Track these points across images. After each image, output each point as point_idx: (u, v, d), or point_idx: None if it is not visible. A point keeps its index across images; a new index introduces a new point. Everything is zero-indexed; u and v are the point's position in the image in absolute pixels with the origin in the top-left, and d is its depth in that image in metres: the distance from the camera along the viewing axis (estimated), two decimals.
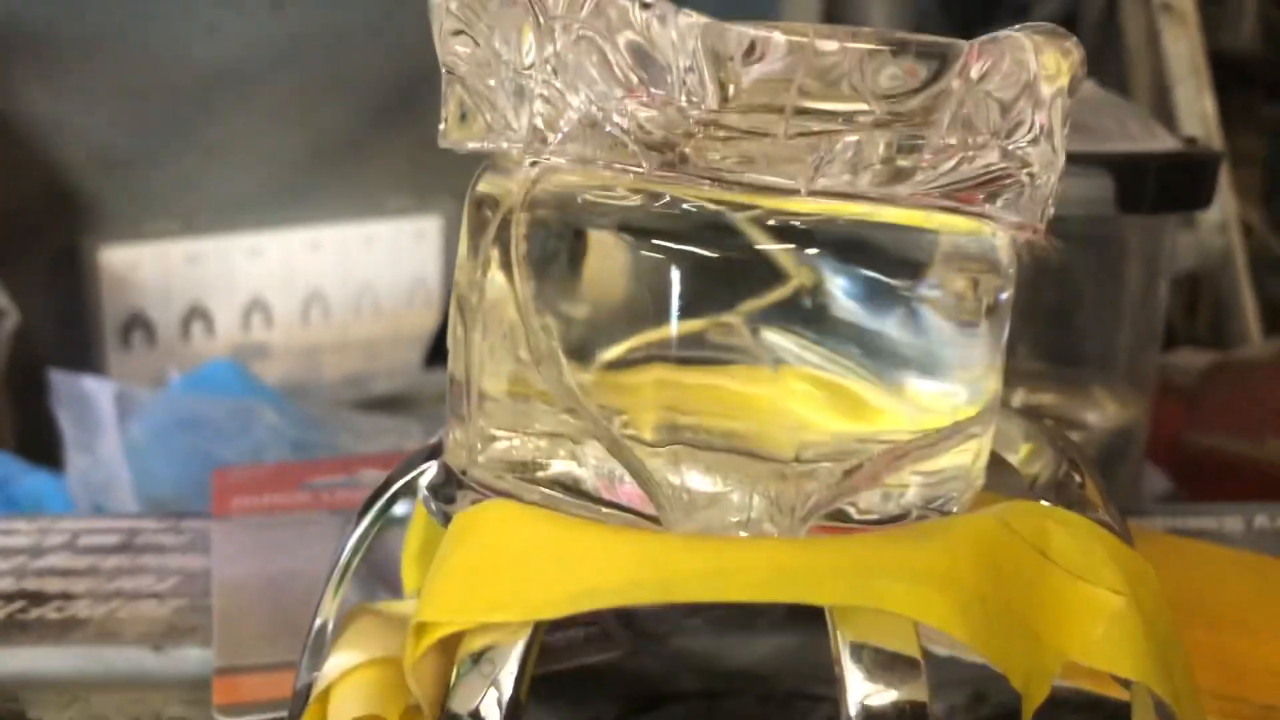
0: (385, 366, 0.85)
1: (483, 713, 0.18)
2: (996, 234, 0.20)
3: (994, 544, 0.18)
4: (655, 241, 0.19)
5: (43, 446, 0.61)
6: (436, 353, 0.66)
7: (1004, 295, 0.20)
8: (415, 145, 0.87)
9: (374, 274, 0.86)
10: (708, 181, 0.18)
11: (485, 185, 0.20)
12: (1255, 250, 1.05)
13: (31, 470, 0.55)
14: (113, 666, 0.29)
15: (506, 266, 0.20)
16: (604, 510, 0.19)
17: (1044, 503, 0.20)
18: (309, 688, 0.21)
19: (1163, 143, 0.38)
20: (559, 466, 0.20)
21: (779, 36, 0.16)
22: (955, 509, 0.21)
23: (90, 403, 0.54)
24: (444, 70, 0.20)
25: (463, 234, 0.21)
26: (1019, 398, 0.43)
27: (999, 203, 0.19)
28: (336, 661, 0.20)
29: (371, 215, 0.85)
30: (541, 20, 0.18)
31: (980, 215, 0.19)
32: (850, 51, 0.17)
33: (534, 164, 0.19)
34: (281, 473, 0.38)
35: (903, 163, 0.19)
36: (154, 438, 0.53)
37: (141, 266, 0.76)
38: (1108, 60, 0.98)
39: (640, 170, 0.18)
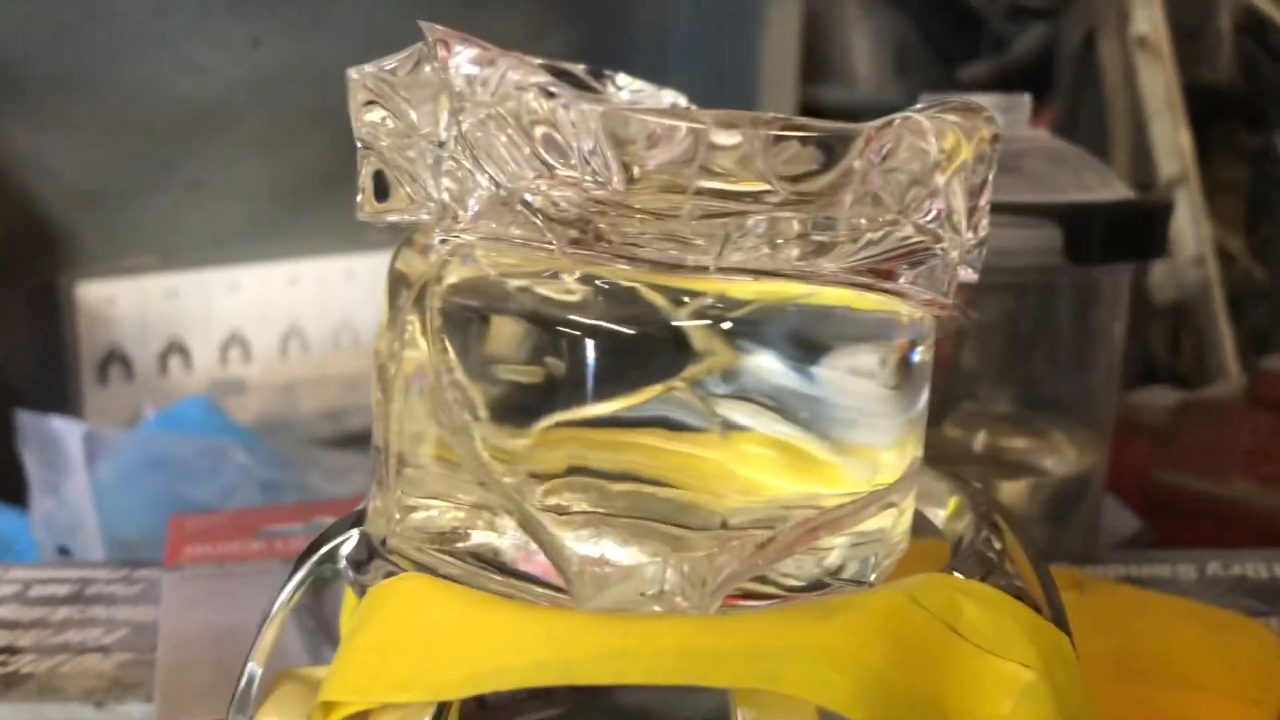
0: (363, 401, 0.85)
1: None
2: (911, 314, 0.20)
3: (901, 620, 0.18)
4: (572, 317, 0.19)
5: (14, 485, 0.61)
6: None
7: (916, 360, 0.20)
8: None
9: (353, 308, 0.86)
10: (621, 260, 0.18)
11: (401, 264, 0.20)
12: (1238, 279, 1.05)
13: None
14: None
15: (425, 332, 0.20)
16: (518, 584, 0.19)
17: (957, 574, 0.20)
18: None
19: (1115, 192, 0.38)
20: (478, 538, 0.20)
21: (679, 125, 0.17)
22: (875, 575, 0.21)
23: (58, 443, 0.54)
24: (359, 144, 0.21)
25: (383, 306, 0.21)
26: (980, 441, 0.43)
27: (915, 276, 0.20)
28: None
29: (351, 248, 0.85)
30: (450, 100, 0.18)
31: (896, 293, 0.20)
32: (753, 136, 0.17)
33: (443, 241, 0.19)
34: (238, 520, 0.38)
35: (820, 238, 0.19)
36: (122, 478, 0.53)
37: (119, 302, 0.76)
38: (1086, 94, 0.99)
39: (551, 248, 0.18)
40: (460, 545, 0.20)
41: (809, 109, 1.16)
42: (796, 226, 0.18)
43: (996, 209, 0.26)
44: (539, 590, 0.19)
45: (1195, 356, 0.91)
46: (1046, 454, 0.42)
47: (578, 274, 0.19)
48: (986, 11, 1.07)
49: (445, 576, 0.19)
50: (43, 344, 0.75)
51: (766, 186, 0.18)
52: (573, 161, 0.17)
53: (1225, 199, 1.09)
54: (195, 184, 0.78)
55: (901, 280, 0.20)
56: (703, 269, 0.18)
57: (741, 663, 0.16)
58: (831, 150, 0.18)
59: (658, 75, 0.91)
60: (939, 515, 0.24)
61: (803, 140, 0.17)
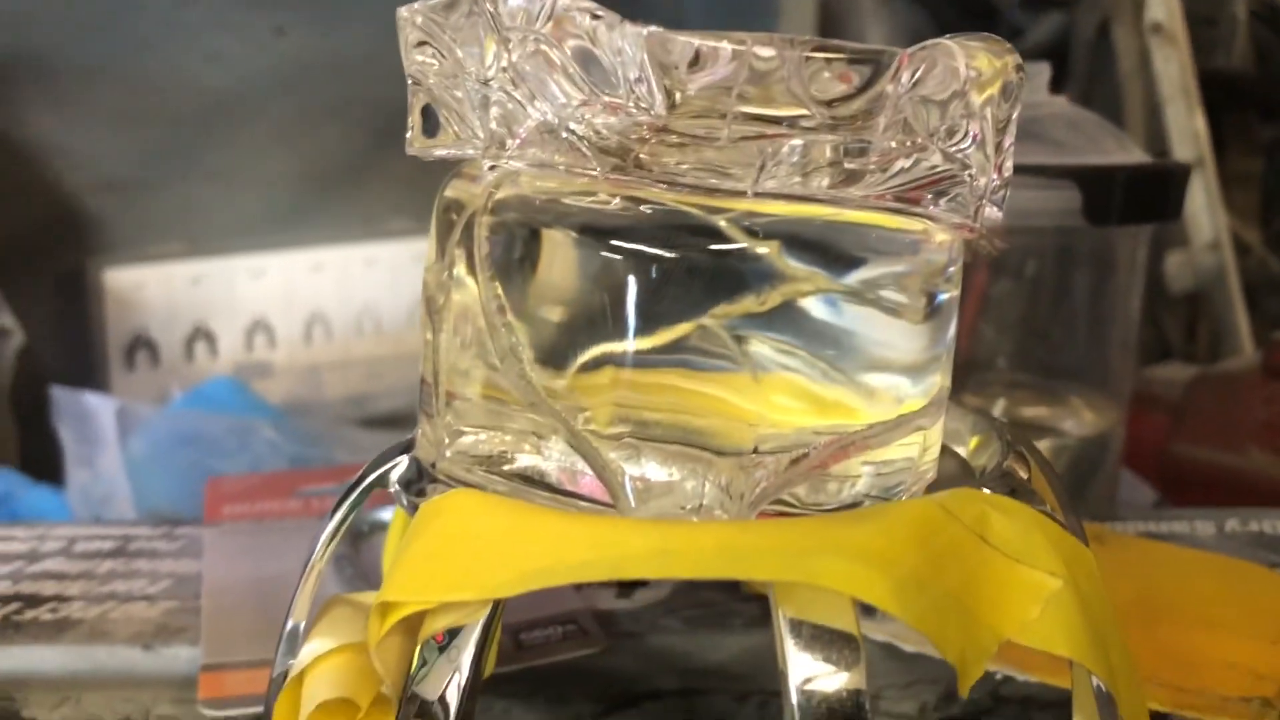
0: (386, 386, 0.86)
1: (446, 696, 0.19)
2: (939, 236, 0.21)
3: (933, 527, 0.18)
4: (614, 242, 0.20)
5: (46, 464, 0.62)
6: None
7: (944, 295, 0.21)
8: (415, 167, 0.88)
9: (375, 294, 0.87)
10: (660, 184, 0.19)
11: (451, 190, 0.21)
12: (1253, 270, 1.05)
13: (34, 486, 0.56)
14: (104, 665, 0.30)
15: (472, 269, 0.21)
16: (565, 500, 0.20)
17: (985, 490, 0.21)
18: (284, 675, 0.22)
19: (1133, 156, 0.39)
20: (524, 460, 0.21)
21: (724, 45, 0.17)
22: (903, 499, 0.21)
23: (92, 418, 0.55)
24: (410, 80, 0.21)
25: (431, 237, 0.22)
26: (999, 408, 0.44)
27: (943, 203, 0.20)
28: (310, 648, 0.21)
29: (373, 236, 0.86)
30: (499, 32, 0.19)
31: (925, 216, 0.20)
32: (788, 57, 0.18)
33: (493, 168, 0.20)
34: (274, 481, 0.39)
35: (850, 165, 0.20)
36: (154, 453, 0.54)
37: (146, 288, 0.78)
38: (1101, 80, 0.99)
39: (594, 174, 0.19)
40: (507, 467, 0.21)
41: None
42: (829, 153, 0.19)
43: (1017, 170, 0.27)
44: (584, 506, 0.20)
45: (1210, 341, 0.91)
46: (1065, 418, 0.42)
47: (618, 199, 0.19)
48: (1001, 1, 1.07)
49: (494, 494, 0.20)
50: (71, 329, 0.76)
51: (802, 111, 0.18)
52: (619, 91, 0.18)
53: (1241, 190, 1.09)
54: (220, 172, 0.80)
55: (931, 207, 0.20)
56: (740, 193, 0.19)
57: (782, 559, 0.17)
58: (871, 69, 0.18)
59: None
60: (964, 450, 0.24)
61: (835, 60, 0.18)
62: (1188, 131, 0.89)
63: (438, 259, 0.21)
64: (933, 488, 0.22)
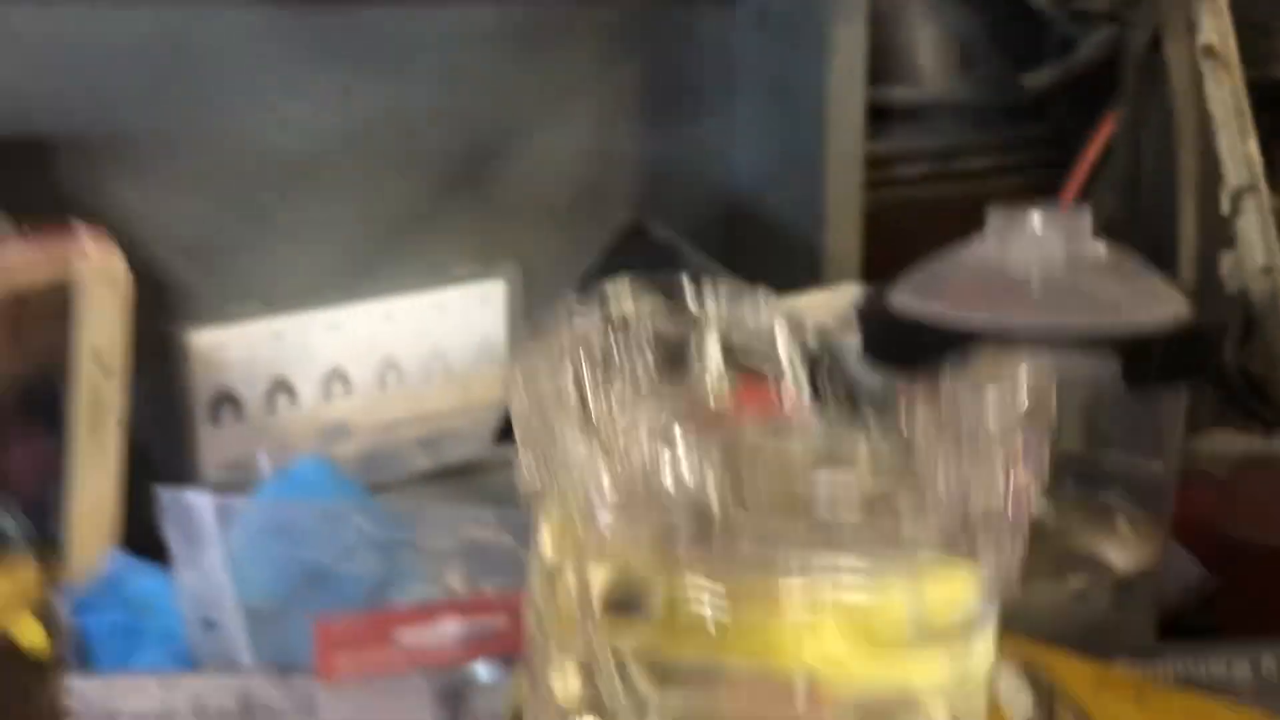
0: (455, 428, 0.90)
1: None
2: None
3: None
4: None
5: (143, 531, 0.66)
6: (504, 433, 0.71)
7: None
8: (477, 214, 0.91)
9: (444, 338, 0.90)
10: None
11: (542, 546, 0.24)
12: None
13: (143, 570, 0.61)
14: None
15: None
16: None
17: None
18: None
19: (1171, 307, 0.41)
20: None
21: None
22: None
23: (193, 516, 0.59)
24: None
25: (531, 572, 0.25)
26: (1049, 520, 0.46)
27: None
28: None
29: (438, 284, 0.89)
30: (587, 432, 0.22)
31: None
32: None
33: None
34: (374, 624, 0.43)
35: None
36: (250, 547, 0.58)
37: (228, 346, 0.82)
38: (1152, 97, 0.99)
39: (676, 546, 0.22)
40: None
41: (875, 109, 1.17)
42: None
43: (1056, 338, 0.29)
44: None
45: (1265, 372, 0.92)
46: (1111, 546, 0.45)
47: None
48: (1051, 14, 1.07)
49: None
50: (159, 389, 0.80)
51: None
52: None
53: None
54: (293, 231, 0.83)
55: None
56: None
57: None
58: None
59: (724, 95, 0.95)
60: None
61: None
62: (1241, 156, 0.89)
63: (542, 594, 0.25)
64: None
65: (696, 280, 0.30)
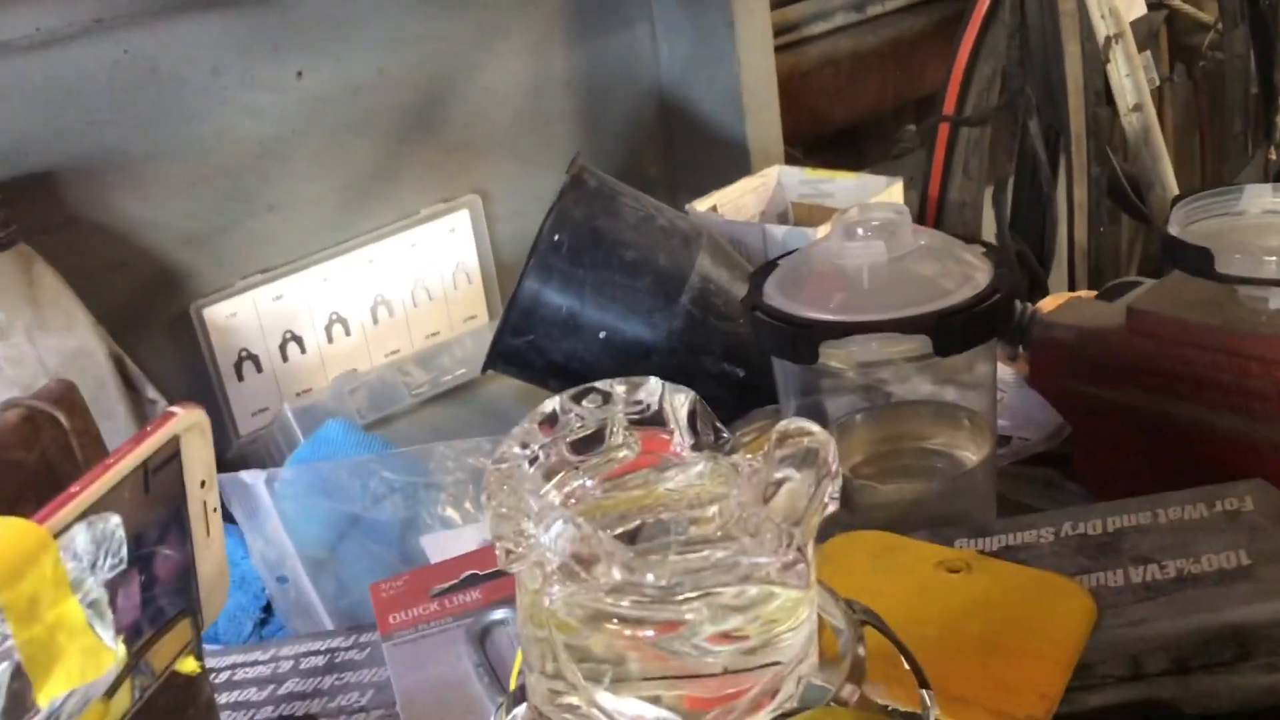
0: (446, 344, 1.03)
1: None
2: None
3: None
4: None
5: None
6: (492, 359, 0.84)
7: None
8: (434, 157, 1.02)
9: (423, 270, 1.02)
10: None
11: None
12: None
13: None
14: None
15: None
16: None
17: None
18: None
19: (970, 279, 0.53)
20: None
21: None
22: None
23: (250, 492, 0.73)
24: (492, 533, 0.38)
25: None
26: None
27: None
28: None
29: (409, 225, 1.01)
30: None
31: None
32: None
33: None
34: (412, 584, 0.57)
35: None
36: (300, 506, 0.73)
37: (240, 313, 0.94)
38: None
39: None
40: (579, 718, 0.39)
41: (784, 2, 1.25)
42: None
43: (880, 325, 0.43)
44: None
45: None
46: (962, 445, 0.59)
47: None
48: None
49: None
50: (187, 359, 0.93)
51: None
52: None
53: None
54: (276, 205, 0.94)
55: None
56: None
57: None
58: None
59: (641, 3, 1.05)
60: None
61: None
62: (1106, 8, 0.99)
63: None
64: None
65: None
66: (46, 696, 0.36)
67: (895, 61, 1.34)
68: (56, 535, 0.36)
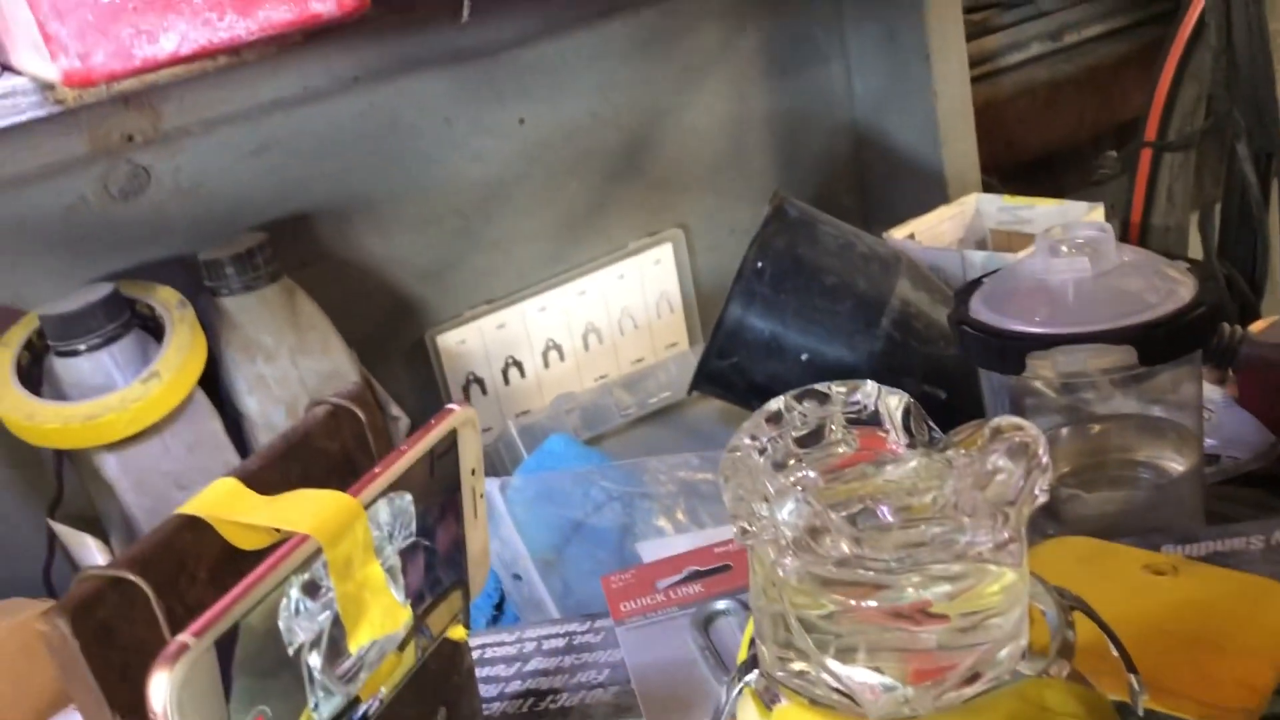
0: (651, 368, 1.09)
1: None
2: None
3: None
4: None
5: None
6: (698, 381, 0.89)
7: None
8: (640, 193, 1.08)
9: (629, 300, 1.09)
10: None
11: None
12: None
13: None
14: None
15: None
16: (839, 699, 0.42)
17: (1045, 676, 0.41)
18: None
19: (1174, 293, 0.55)
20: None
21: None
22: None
23: (488, 498, 0.80)
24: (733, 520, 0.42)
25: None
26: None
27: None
28: None
29: (618, 259, 1.08)
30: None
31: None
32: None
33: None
34: (640, 577, 0.63)
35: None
36: (530, 513, 0.80)
37: (468, 340, 1.02)
38: None
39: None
40: (808, 683, 0.43)
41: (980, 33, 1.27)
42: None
43: (1086, 338, 0.46)
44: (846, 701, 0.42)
45: None
46: (1167, 455, 0.60)
47: None
48: None
49: (810, 698, 0.42)
50: (421, 381, 1.02)
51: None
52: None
53: None
54: (499, 241, 1.02)
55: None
56: None
57: None
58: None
59: (836, 39, 1.10)
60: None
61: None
62: None
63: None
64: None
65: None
66: (355, 644, 0.43)
67: (1093, 88, 1.34)
68: (366, 507, 0.42)
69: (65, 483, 0.83)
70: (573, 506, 0.80)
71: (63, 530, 0.84)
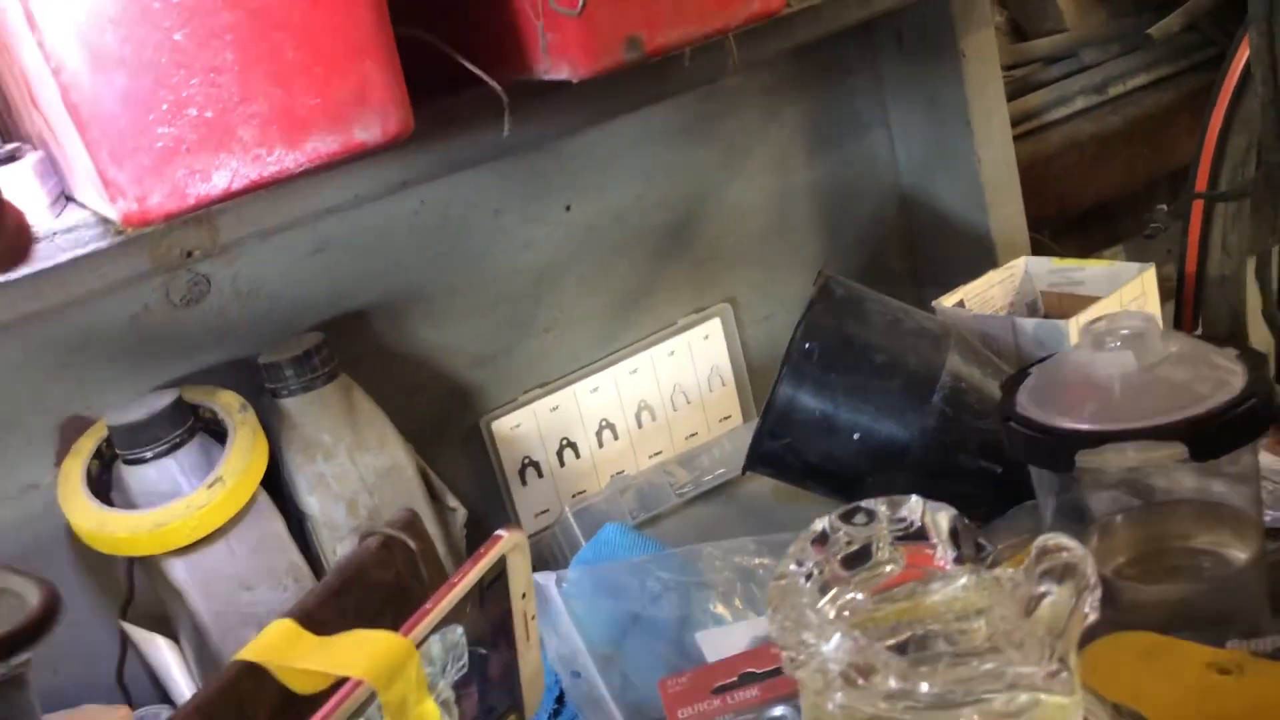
0: (702, 440, 1.10)
1: None
2: None
3: None
4: None
5: None
6: (751, 462, 0.89)
7: None
8: (687, 270, 1.09)
9: (680, 376, 1.10)
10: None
11: None
12: None
13: None
14: None
15: None
16: None
17: None
18: None
19: (1223, 383, 0.54)
20: None
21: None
22: None
23: (542, 592, 0.81)
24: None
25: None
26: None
27: None
28: None
29: (666, 335, 1.08)
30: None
31: None
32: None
33: None
34: (696, 681, 0.63)
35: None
36: (587, 606, 0.80)
37: (522, 424, 1.04)
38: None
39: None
40: None
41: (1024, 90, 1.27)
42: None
43: (1134, 434, 0.46)
44: None
45: None
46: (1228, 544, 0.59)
47: None
48: None
49: None
50: (477, 467, 1.03)
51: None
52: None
53: None
54: (550, 326, 1.04)
55: None
56: None
57: None
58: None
59: (878, 109, 1.11)
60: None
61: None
62: None
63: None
64: None
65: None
66: None
67: (1141, 139, 1.33)
68: (418, 645, 0.43)
69: (135, 583, 0.85)
70: (629, 599, 0.80)
71: (134, 631, 0.86)
